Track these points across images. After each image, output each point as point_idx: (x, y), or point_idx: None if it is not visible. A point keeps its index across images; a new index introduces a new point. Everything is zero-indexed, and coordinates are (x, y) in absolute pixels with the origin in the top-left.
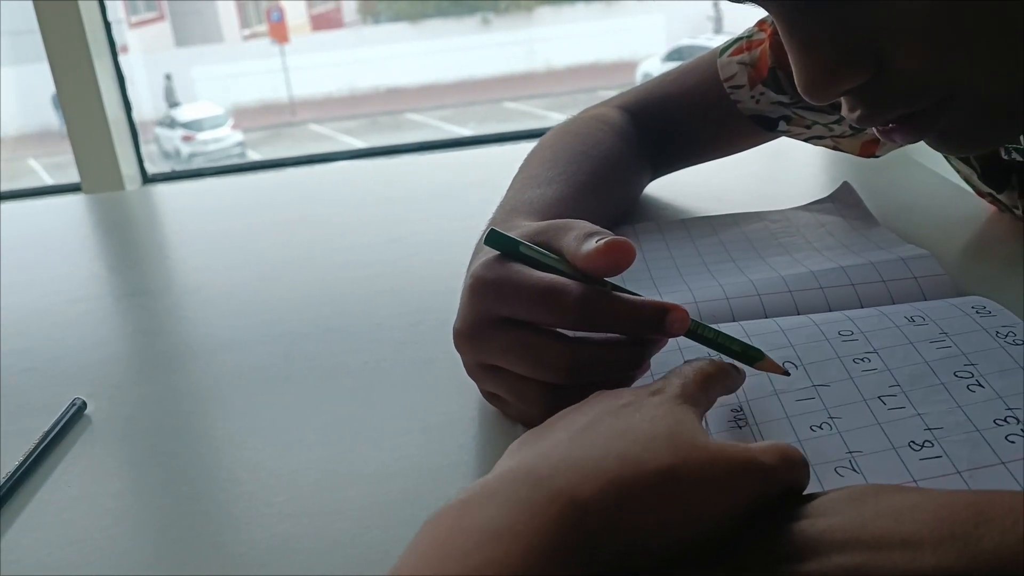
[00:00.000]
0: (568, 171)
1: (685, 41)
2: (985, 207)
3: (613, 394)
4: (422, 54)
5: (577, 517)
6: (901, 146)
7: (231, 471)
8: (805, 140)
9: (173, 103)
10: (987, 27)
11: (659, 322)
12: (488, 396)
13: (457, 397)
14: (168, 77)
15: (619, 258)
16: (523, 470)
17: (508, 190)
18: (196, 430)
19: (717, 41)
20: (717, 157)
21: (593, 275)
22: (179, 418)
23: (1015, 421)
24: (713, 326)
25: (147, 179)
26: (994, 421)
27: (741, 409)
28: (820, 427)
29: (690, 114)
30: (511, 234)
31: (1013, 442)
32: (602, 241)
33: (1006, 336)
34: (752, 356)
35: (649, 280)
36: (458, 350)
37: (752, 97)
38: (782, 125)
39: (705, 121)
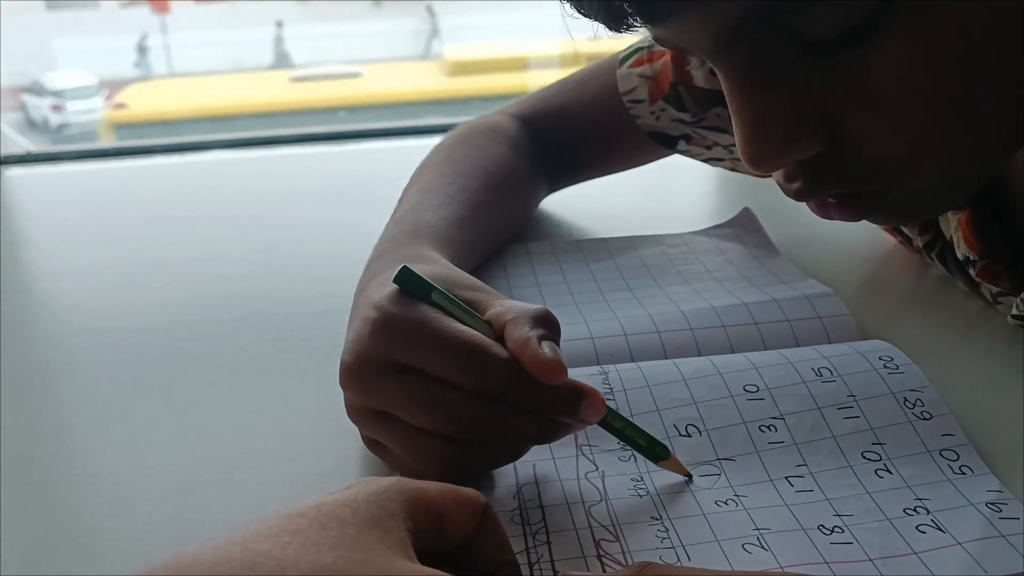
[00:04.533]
0: (467, 188)
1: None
2: (885, 239)
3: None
4: (309, 36)
5: None
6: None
7: (59, 504)
8: (704, 160)
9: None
10: (954, 107)
11: (574, 406)
12: (369, 443)
13: (327, 444)
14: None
15: (555, 376)
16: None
17: (402, 202)
18: (25, 459)
19: None
20: (614, 172)
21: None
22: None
23: (924, 511)
24: (621, 395)
25: None
26: (904, 511)
27: (643, 479)
28: (725, 503)
29: (588, 126)
30: (424, 275)
31: (924, 532)
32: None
33: (914, 406)
34: (657, 454)
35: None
36: (344, 388)
37: (652, 113)
38: (682, 144)
39: (603, 135)
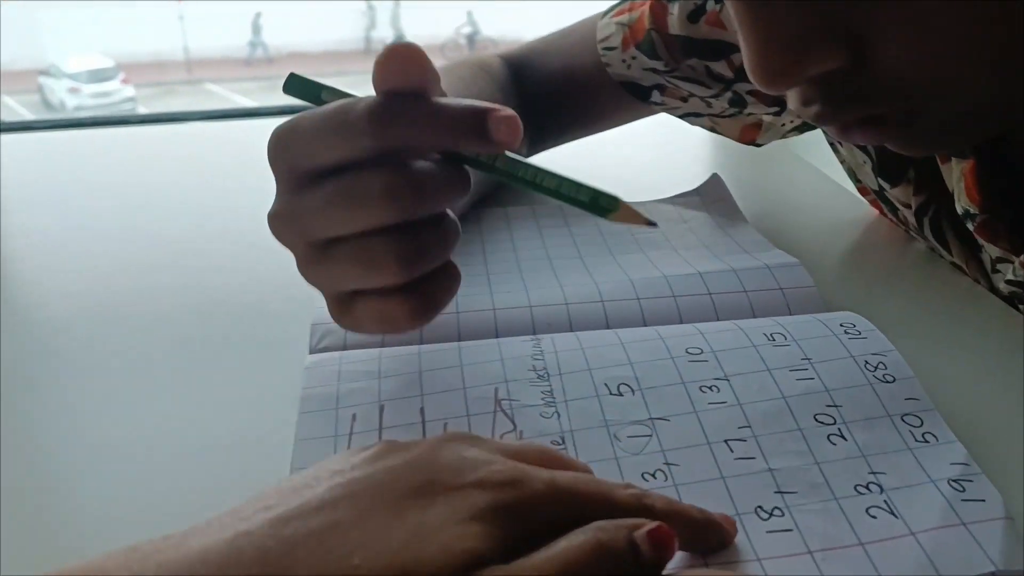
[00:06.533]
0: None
1: None
2: (866, 212)
3: (401, 468)
4: (325, 16)
5: None
6: (789, 135)
7: (49, 449)
8: (681, 117)
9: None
10: (987, 24)
11: (480, 127)
12: (335, 311)
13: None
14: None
15: (403, 59)
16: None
17: None
18: (14, 409)
19: None
20: (590, 131)
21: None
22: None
23: (878, 490)
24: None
25: None
26: (855, 488)
27: (563, 442)
28: (653, 475)
29: (562, 79)
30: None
31: (875, 517)
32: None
33: (875, 368)
34: (604, 207)
35: (485, 276)
36: (280, 240)
37: (623, 61)
38: (655, 95)
39: (576, 88)
